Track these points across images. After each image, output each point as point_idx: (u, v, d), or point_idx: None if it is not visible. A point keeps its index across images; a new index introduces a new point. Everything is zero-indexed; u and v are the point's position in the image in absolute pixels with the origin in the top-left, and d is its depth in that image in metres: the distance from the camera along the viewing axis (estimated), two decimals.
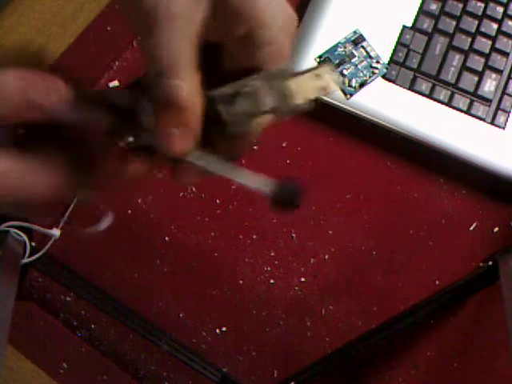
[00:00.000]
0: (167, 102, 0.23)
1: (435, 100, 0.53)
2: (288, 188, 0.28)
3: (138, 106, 0.24)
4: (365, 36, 0.53)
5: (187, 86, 0.23)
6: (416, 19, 0.53)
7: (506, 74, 0.53)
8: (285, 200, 0.28)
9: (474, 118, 0.53)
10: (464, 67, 0.53)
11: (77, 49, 0.55)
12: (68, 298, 0.52)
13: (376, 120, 0.53)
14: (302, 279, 0.53)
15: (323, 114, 0.54)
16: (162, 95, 0.23)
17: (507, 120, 0.53)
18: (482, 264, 0.53)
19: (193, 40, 0.23)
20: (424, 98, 0.53)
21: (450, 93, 0.53)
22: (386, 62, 0.53)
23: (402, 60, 0.53)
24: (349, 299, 0.53)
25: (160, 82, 0.23)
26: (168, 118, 0.24)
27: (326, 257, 0.54)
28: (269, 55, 0.25)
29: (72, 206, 0.52)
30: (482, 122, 0.53)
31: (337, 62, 0.52)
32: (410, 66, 0.53)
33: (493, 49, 0.53)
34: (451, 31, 0.53)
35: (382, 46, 0.53)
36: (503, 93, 0.53)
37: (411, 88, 0.53)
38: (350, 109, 0.52)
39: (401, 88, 0.53)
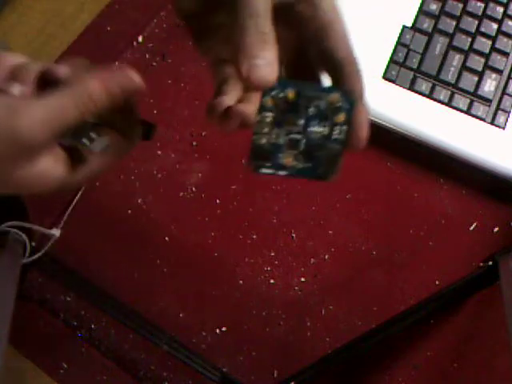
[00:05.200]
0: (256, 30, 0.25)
1: (435, 100, 0.53)
2: (145, 125, 0.34)
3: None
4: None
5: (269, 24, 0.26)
6: (416, 19, 0.54)
7: (506, 74, 0.53)
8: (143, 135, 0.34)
9: (473, 118, 0.53)
10: (464, 67, 0.53)
11: (77, 49, 0.55)
12: (68, 298, 0.52)
13: (376, 120, 0.53)
14: (302, 279, 0.53)
15: None
16: (250, 25, 0.25)
17: (507, 120, 0.53)
18: (481, 264, 0.53)
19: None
20: (424, 98, 0.53)
21: (449, 93, 0.53)
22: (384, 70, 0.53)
23: (401, 60, 0.53)
24: (349, 299, 0.53)
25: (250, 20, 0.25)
26: (256, 48, 0.26)
27: (326, 257, 0.54)
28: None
29: (72, 206, 0.53)
30: (482, 121, 0.53)
31: None
32: (410, 66, 0.53)
33: (493, 49, 0.53)
34: (451, 31, 0.53)
35: (382, 46, 0.53)
36: (503, 93, 0.53)
37: (411, 88, 0.53)
38: None
39: (401, 88, 0.53)
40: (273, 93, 0.28)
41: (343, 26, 0.29)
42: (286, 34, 0.29)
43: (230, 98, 0.31)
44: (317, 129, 0.29)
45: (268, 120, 0.29)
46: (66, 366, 0.50)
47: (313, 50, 0.30)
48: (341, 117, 0.29)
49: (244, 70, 0.26)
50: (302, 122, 0.29)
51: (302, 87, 0.28)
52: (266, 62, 0.26)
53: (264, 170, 0.30)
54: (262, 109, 0.28)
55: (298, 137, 0.29)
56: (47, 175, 0.28)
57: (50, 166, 0.28)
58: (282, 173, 0.30)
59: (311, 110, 0.29)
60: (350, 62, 0.29)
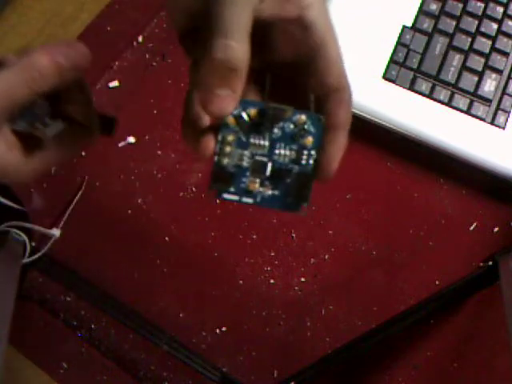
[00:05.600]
0: (220, 61, 0.24)
1: (435, 100, 0.53)
2: (105, 118, 0.33)
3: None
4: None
5: (241, 50, 0.24)
6: (416, 19, 0.53)
7: (506, 73, 0.53)
8: (103, 128, 0.33)
9: (473, 118, 0.53)
10: (464, 67, 0.53)
11: None
12: (68, 298, 0.52)
13: (376, 120, 0.53)
14: (302, 279, 0.53)
15: None
16: (216, 54, 0.24)
17: (507, 120, 0.53)
18: (481, 264, 0.53)
19: (251, 12, 0.24)
20: (424, 98, 0.53)
21: (449, 93, 0.53)
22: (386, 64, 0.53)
23: (401, 60, 0.53)
24: (349, 299, 0.53)
25: (217, 43, 0.24)
26: (217, 78, 0.25)
27: (326, 257, 0.54)
28: (319, 39, 0.27)
29: (72, 206, 0.53)
30: (482, 121, 0.53)
31: None
32: (410, 66, 0.53)
33: (493, 49, 0.53)
34: (451, 31, 0.53)
35: (382, 46, 0.53)
36: (503, 93, 0.53)
37: (411, 88, 0.53)
38: None
39: (401, 88, 0.53)
40: (234, 112, 0.27)
41: (337, 49, 0.28)
42: (267, 52, 0.28)
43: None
44: (283, 151, 0.28)
45: (230, 139, 0.27)
46: (65, 365, 0.50)
47: (301, 73, 0.28)
48: (308, 140, 0.28)
49: (200, 99, 0.25)
50: (266, 143, 0.28)
51: (265, 107, 0.27)
52: (225, 94, 0.25)
53: (227, 196, 0.29)
54: (224, 127, 0.27)
55: (264, 159, 0.28)
56: (0, 162, 0.28)
57: (3, 152, 0.28)
58: (247, 200, 0.29)
59: (276, 132, 0.28)
60: (339, 88, 0.28)
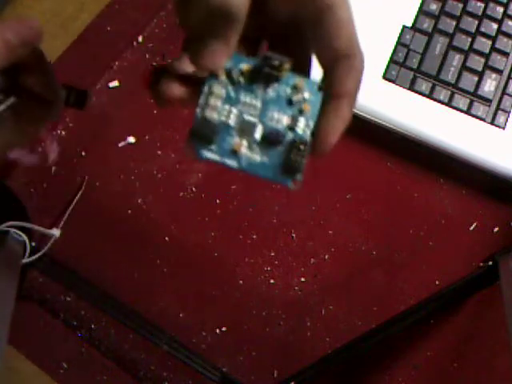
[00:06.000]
0: (214, 6, 0.22)
1: (435, 100, 0.53)
2: (76, 91, 0.32)
3: None
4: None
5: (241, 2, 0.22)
6: (416, 19, 0.53)
7: (506, 73, 0.53)
8: (75, 102, 0.32)
9: (473, 118, 0.53)
10: (464, 67, 0.53)
11: (77, 49, 0.55)
12: (68, 298, 0.52)
13: (376, 120, 0.53)
14: (302, 279, 0.53)
15: None
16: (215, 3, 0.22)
17: (507, 120, 0.53)
18: (481, 264, 0.53)
19: None
20: (424, 98, 0.53)
21: (449, 93, 0.53)
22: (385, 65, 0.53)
23: (401, 60, 0.53)
24: (349, 299, 0.53)
25: None
26: (210, 28, 0.23)
27: (326, 257, 0.54)
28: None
29: (72, 206, 0.53)
30: (482, 121, 0.53)
31: None
32: (410, 66, 0.53)
33: (493, 49, 0.53)
34: (451, 31, 0.53)
35: (382, 46, 0.53)
36: (503, 93, 0.53)
37: (411, 88, 0.53)
38: None
39: (401, 88, 0.53)
40: (226, 66, 0.24)
41: (348, 10, 0.25)
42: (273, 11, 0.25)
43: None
44: (277, 115, 0.25)
45: (217, 92, 0.24)
46: (65, 365, 0.50)
47: (302, 38, 0.26)
48: (305, 107, 0.25)
49: (190, 52, 0.23)
50: (258, 104, 0.25)
51: (262, 64, 0.24)
52: (217, 46, 0.23)
53: (206, 154, 0.25)
54: (212, 78, 0.24)
55: (254, 120, 0.25)
56: None
57: None
58: (230, 163, 0.25)
59: (271, 93, 0.25)
60: (349, 54, 0.25)
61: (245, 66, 0.25)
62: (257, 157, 0.25)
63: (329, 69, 0.25)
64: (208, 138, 0.24)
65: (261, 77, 0.25)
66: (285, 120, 0.25)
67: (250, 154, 0.25)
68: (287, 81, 0.25)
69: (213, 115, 0.25)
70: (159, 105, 0.25)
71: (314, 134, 0.25)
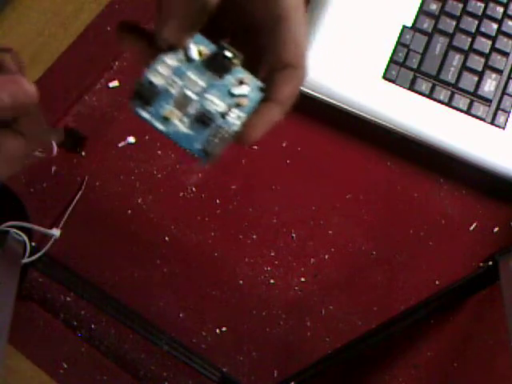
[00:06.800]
0: None
1: (435, 100, 0.53)
2: (72, 135, 0.32)
3: None
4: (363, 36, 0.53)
5: None
6: (416, 19, 0.53)
7: (506, 73, 0.53)
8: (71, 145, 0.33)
9: (474, 118, 0.53)
10: (464, 67, 0.53)
11: (77, 49, 0.55)
12: (68, 298, 0.52)
13: (376, 120, 0.53)
14: (302, 279, 0.53)
15: (323, 114, 0.54)
16: None
17: (507, 120, 0.53)
18: (481, 264, 0.53)
19: None
20: (424, 98, 0.53)
21: (449, 93, 0.53)
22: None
23: (401, 60, 0.53)
24: (349, 299, 0.53)
25: None
26: (184, 9, 0.25)
27: (326, 257, 0.54)
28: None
29: (72, 206, 0.53)
30: (482, 121, 0.53)
31: None
32: (410, 66, 0.53)
33: (493, 49, 0.53)
34: (451, 31, 0.53)
35: (382, 46, 0.53)
36: (503, 93, 0.53)
37: (411, 88, 0.53)
38: (350, 109, 0.52)
39: (401, 88, 0.53)
40: (187, 43, 0.27)
41: (299, 26, 0.27)
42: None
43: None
44: (215, 100, 0.27)
45: (169, 62, 0.27)
46: (65, 365, 0.50)
47: (259, 38, 0.28)
48: (243, 102, 0.28)
49: (156, 26, 0.26)
50: (203, 84, 0.27)
51: (218, 52, 0.27)
52: (180, 24, 0.25)
53: (141, 112, 0.27)
54: (170, 50, 0.27)
55: (193, 97, 0.27)
56: None
57: None
58: (159, 126, 0.27)
59: (217, 79, 0.27)
60: (292, 66, 0.27)
61: (203, 49, 0.27)
62: (184, 128, 0.27)
63: (271, 74, 0.28)
64: (147, 99, 0.27)
65: (214, 63, 0.27)
66: (220, 106, 0.28)
67: (179, 124, 0.27)
68: (235, 73, 0.28)
69: (158, 80, 0.27)
70: (118, 43, 0.28)
71: (243, 125, 0.28)
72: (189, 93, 0.27)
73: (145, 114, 0.27)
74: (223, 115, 0.28)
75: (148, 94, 0.27)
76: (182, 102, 0.27)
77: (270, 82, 0.28)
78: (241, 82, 0.28)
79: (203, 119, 0.27)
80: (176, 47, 0.27)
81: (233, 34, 0.29)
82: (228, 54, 0.27)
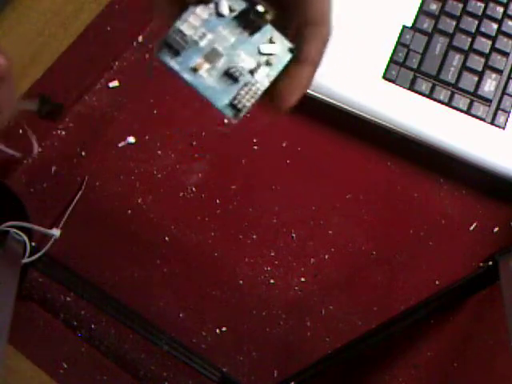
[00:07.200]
0: None
1: (435, 100, 0.53)
2: (47, 102, 0.33)
3: None
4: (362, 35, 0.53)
5: None
6: (416, 19, 0.53)
7: (506, 73, 0.53)
8: (46, 112, 0.33)
9: (473, 118, 0.53)
10: (464, 67, 0.53)
11: (77, 49, 0.55)
12: (68, 298, 0.52)
13: (376, 120, 0.53)
14: (302, 279, 0.53)
15: (323, 113, 0.54)
16: None
17: (507, 120, 0.53)
18: (481, 264, 0.53)
19: None
20: (424, 98, 0.53)
21: (449, 93, 0.53)
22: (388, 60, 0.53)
23: (402, 60, 0.53)
24: (349, 299, 0.53)
25: None
26: None
27: (326, 257, 0.54)
28: None
29: (72, 206, 0.53)
30: (482, 121, 0.53)
31: None
32: (410, 66, 0.53)
33: (493, 49, 0.53)
34: (451, 31, 0.53)
35: (382, 46, 0.53)
36: (503, 93, 0.53)
37: (411, 88, 0.53)
38: (350, 109, 0.52)
39: (401, 88, 0.53)
40: None
41: None
42: None
43: None
44: (244, 56, 0.27)
45: (201, 14, 0.27)
46: (65, 365, 0.50)
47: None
48: (273, 60, 0.27)
49: None
50: (232, 39, 0.27)
51: (249, 8, 0.27)
52: None
53: (170, 62, 0.27)
54: (202, 3, 0.27)
55: (223, 51, 0.27)
56: None
57: None
58: (186, 77, 0.27)
59: (247, 36, 0.27)
60: (317, 23, 0.27)
61: (234, 4, 0.27)
62: (212, 81, 0.27)
63: (298, 33, 0.27)
64: (177, 49, 0.27)
65: (245, 19, 0.27)
66: (250, 63, 0.27)
67: (207, 76, 0.27)
68: (265, 32, 0.28)
69: (189, 31, 0.27)
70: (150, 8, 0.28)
71: (272, 84, 0.27)
72: (218, 47, 0.27)
73: (173, 64, 0.27)
74: (252, 72, 0.27)
75: (177, 44, 0.27)
76: (211, 56, 0.27)
77: (297, 42, 0.27)
78: (270, 41, 0.27)
79: (232, 74, 0.27)
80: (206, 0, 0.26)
81: None
82: (260, 8, 0.26)
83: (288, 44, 0.28)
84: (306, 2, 0.27)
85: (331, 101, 0.52)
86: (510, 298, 0.46)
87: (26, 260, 0.49)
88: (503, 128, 0.53)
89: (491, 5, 0.54)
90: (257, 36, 0.27)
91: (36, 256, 0.50)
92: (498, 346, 0.52)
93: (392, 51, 0.53)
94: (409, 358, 0.53)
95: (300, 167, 0.55)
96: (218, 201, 0.54)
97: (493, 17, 0.53)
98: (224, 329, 0.52)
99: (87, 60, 0.55)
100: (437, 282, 0.54)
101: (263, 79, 0.27)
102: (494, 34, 0.53)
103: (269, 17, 0.27)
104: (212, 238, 0.53)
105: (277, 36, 0.28)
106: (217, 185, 0.54)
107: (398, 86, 0.53)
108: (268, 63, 0.28)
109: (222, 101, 0.27)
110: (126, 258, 0.53)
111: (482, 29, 0.53)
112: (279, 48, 0.28)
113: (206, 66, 0.27)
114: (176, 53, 0.27)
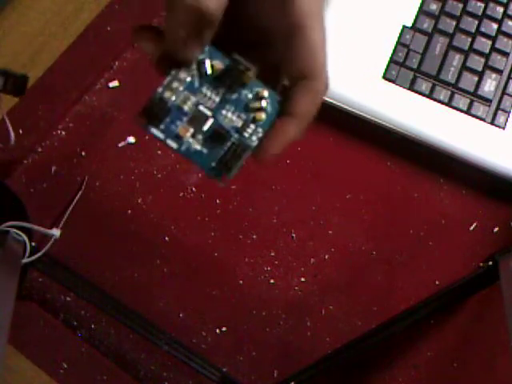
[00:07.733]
0: (190, 7, 0.22)
1: (435, 100, 0.53)
2: (11, 76, 0.32)
3: None
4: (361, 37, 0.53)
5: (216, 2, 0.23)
6: (416, 19, 0.53)
7: (506, 74, 0.53)
8: (12, 87, 0.32)
9: (474, 118, 0.53)
10: (464, 67, 0.53)
11: (77, 49, 0.55)
12: (68, 298, 0.52)
13: (376, 120, 0.53)
14: (302, 279, 0.53)
15: (323, 114, 0.54)
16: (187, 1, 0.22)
17: (507, 120, 0.53)
18: (481, 264, 0.53)
19: None
20: (424, 98, 0.53)
21: (449, 93, 0.53)
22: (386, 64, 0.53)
23: (402, 60, 0.53)
24: (349, 299, 0.53)
25: None
26: (185, 25, 0.23)
27: (326, 257, 0.54)
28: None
29: (72, 206, 0.53)
30: (482, 121, 0.53)
31: None
32: (410, 66, 0.53)
33: (493, 49, 0.53)
34: (451, 31, 0.53)
35: (382, 46, 0.53)
36: (503, 93, 0.53)
37: (411, 88, 0.53)
38: (350, 109, 0.52)
39: (401, 88, 0.53)
40: (200, 56, 0.26)
41: (318, 35, 0.25)
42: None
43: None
44: (230, 115, 0.26)
45: (182, 77, 0.26)
46: (65, 365, 0.50)
47: (275, 48, 0.27)
48: (260, 116, 0.27)
49: (166, 43, 0.24)
50: (217, 99, 0.26)
51: (231, 65, 0.26)
52: (192, 42, 0.24)
53: (153, 130, 0.26)
54: (183, 66, 0.26)
55: (207, 113, 0.26)
56: None
57: None
58: (171, 144, 0.26)
59: (232, 94, 0.26)
60: (310, 77, 0.25)
61: (217, 63, 0.26)
62: (198, 146, 0.26)
63: (289, 86, 0.26)
64: (158, 116, 0.26)
65: (228, 77, 0.26)
66: (236, 122, 0.27)
67: (192, 141, 0.26)
68: (251, 87, 0.26)
69: (170, 97, 0.26)
70: (133, 40, 0.27)
71: (261, 140, 0.27)
72: (203, 109, 0.26)
73: (157, 132, 0.26)
74: (239, 131, 0.27)
75: (159, 112, 0.26)
76: (196, 119, 0.26)
77: (287, 95, 0.26)
78: (257, 96, 0.27)
79: (218, 136, 0.26)
80: (186, 62, 0.26)
81: (247, 46, 0.28)
82: (240, 66, 0.26)
83: (275, 96, 0.27)
84: (296, 55, 0.25)
85: (331, 101, 0.52)
86: (510, 298, 0.46)
87: (25, 260, 0.49)
88: (503, 128, 0.53)
89: (491, 5, 0.54)
90: (243, 92, 0.26)
91: (36, 256, 0.50)
92: (498, 346, 0.52)
93: (392, 51, 0.53)
94: (409, 358, 0.53)
95: (300, 167, 0.55)
96: (217, 201, 0.54)
97: (493, 17, 0.53)
98: (224, 329, 0.52)
99: (87, 60, 0.55)
100: (437, 282, 0.54)
101: (251, 137, 0.27)
102: (494, 34, 0.53)
103: (251, 74, 0.26)
104: (212, 237, 0.53)
105: (263, 90, 0.27)
106: (217, 185, 0.54)
107: (398, 86, 0.53)
108: (255, 120, 0.27)
109: (209, 165, 0.27)
110: (126, 258, 0.53)
111: (482, 29, 0.53)
112: (267, 102, 0.27)
113: (191, 130, 0.26)
114: (159, 121, 0.26)
